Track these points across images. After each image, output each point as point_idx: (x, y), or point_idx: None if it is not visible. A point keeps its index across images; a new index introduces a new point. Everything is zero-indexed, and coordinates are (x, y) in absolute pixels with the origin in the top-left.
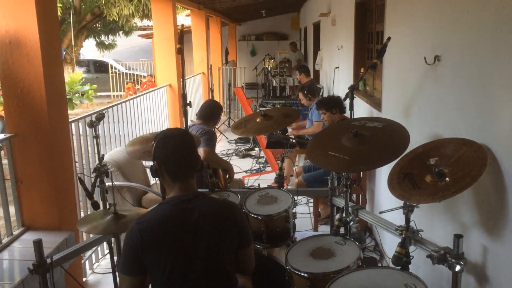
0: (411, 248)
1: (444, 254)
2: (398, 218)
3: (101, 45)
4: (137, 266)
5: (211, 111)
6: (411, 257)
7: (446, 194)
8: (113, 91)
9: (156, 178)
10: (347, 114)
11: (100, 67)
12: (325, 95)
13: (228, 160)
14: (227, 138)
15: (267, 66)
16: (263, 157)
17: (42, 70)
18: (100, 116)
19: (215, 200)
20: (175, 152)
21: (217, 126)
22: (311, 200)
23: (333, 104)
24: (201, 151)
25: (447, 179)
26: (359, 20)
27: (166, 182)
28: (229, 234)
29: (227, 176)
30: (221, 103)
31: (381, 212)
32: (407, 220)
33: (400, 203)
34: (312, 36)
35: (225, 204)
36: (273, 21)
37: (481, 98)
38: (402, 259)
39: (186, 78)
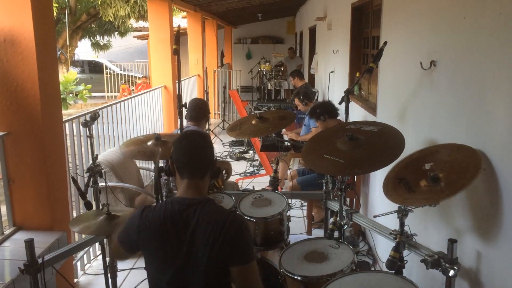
0: (405, 252)
1: (438, 258)
2: (392, 222)
3: (96, 46)
4: (127, 244)
5: (200, 110)
6: (405, 262)
7: (441, 196)
8: (108, 92)
9: (150, 180)
10: (343, 118)
11: (94, 68)
12: (320, 99)
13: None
14: (222, 141)
15: (262, 69)
16: (257, 160)
17: (36, 69)
18: (95, 116)
19: (216, 210)
20: (185, 150)
21: (211, 129)
22: (305, 204)
23: (319, 112)
24: None
25: (441, 183)
26: (355, 24)
27: (177, 180)
28: (219, 249)
29: (224, 173)
30: (216, 106)
31: (375, 216)
32: (402, 225)
33: (394, 207)
34: (308, 40)
35: (224, 217)
36: (269, 24)
37: (477, 103)
38: (396, 263)
39: (181, 79)
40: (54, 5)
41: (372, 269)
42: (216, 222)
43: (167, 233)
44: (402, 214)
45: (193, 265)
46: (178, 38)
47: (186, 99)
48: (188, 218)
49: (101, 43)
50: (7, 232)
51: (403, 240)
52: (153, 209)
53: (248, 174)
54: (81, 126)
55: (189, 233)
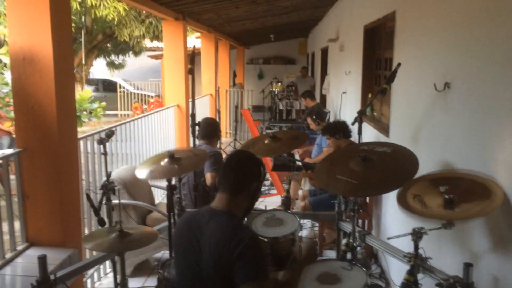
0: (419, 276)
1: (454, 283)
2: (405, 245)
3: (111, 65)
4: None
5: (211, 128)
6: (419, 285)
7: (454, 216)
8: (121, 110)
9: (161, 198)
10: (355, 138)
11: (108, 86)
12: (332, 119)
13: None
14: None
15: (274, 89)
16: (268, 179)
17: (54, 86)
18: (110, 133)
19: (230, 224)
20: (225, 164)
21: (223, 148)
22: (316, 224)
23: (336, 130)
24: (208, 176)
25: (456, 209)
26: (368, 46)
27: None
28: (224, 261)
29: None
30: (228, 125)
31: (389, 238)
32: (416, 247)
33: (408, 229)
34: (320, 61)
35: (235, 231)
36: (281, 45)
37: (491, 126)
38: (411, 287)
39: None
40: None
41: None
42: (225, 234)
43: (182, 237)
44: (416, 237)
45: (204, 275)
46: (193, 58)
47: (198, 118)
48: (202, 225)
49: (116, 62)
50: (19, 248)
51: (417, 263)
52: (189, 212)
53: None
54: (95, 143)
55: (200, 241)
